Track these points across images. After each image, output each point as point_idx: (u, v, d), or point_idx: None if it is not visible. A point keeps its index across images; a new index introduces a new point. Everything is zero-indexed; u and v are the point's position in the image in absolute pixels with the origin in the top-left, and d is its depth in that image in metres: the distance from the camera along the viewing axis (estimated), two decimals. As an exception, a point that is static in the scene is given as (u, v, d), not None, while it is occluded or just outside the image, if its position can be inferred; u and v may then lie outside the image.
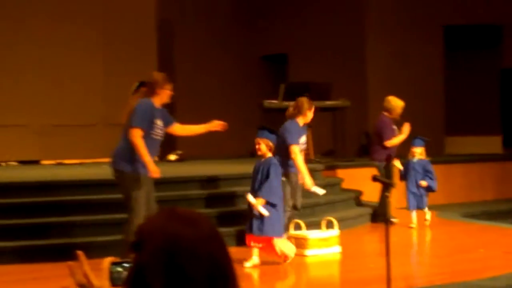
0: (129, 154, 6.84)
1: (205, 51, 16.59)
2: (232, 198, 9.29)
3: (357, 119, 14.18)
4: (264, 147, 7.37)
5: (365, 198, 11.21)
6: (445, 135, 15.61)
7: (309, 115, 8.41)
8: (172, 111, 12.28)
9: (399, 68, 14.97)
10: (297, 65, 16.15)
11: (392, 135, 10.21)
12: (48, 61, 13.74)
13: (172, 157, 13.88)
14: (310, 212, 9.60)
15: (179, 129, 7.41)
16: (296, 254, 7.61)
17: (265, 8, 17.02)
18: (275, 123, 12.92)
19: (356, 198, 11.19)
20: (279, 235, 7.35)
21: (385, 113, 10.36)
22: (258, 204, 7.21)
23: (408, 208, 10.21)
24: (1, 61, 13.37)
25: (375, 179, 7.82)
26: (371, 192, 10.53)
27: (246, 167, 11.27)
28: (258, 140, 7.41)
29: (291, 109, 8.49)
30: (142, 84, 11.57)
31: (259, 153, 7.46)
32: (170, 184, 8.98)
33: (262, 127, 7.59)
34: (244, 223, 7.63)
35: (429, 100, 15.10)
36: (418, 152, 10.15)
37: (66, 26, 13.97)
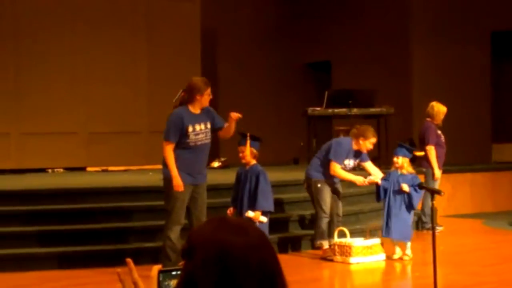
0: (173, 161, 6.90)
1: (249, 59, 16.64)
2: (275, 205, 9.28)
3: (402, 126, 14.07)
4: (248, 154, 7.30)
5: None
6: (492, 142, 15.41)
7: (367, 144, 8.25)
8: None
9: (444, 74, 14.81)
10: (341, 72, 16.10)
11: (437, 141, 10.14)
12: (95, 69, 13.91)
13: (216, 164, 13.95)
14: (355, 219, 9.56)
15: (222, 131, 7.38)
16: (340, 262, 7.57)
17: (309, 15, 17.00)
18: (318, 130, 12.96)
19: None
20: None
21: (428, 119, 10.32)
22: (258, 217, 7.18)
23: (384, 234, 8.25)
24: (50, 70, 13.57)
25: (421, 187, 7.79)
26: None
27: (289, 174, 11.28)
28: (242, 148, 7.31)
29: (355, 130, 8.38)
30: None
31: (243, 161, 7.39)
32: (213, 191, 9.00)
33: (244, 135, 7.46)
34: (286, 230, 7.60)
35: (475, 106, 14.92)
36: (400, 164, 8.17)
37: (112, 35, 14.13)
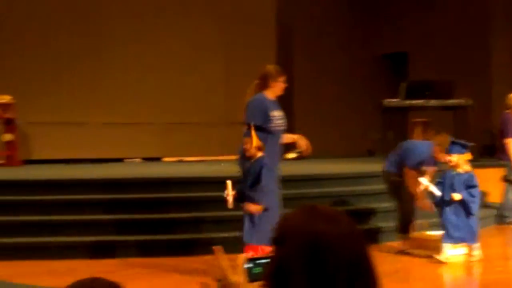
0: None
1: (324, 51, 16.53)
2: (351, 197, 9.22)
3: (480, 118, 13.76)
4: (253, 147, 6.76)
5: (490, 199, 10.85)
6: None
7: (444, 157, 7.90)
8: (291, 112, 12.34)
9: (525, 65, 14.43)
10: (418, 63, 15.85)
11: None
12: (172, 60, 14.06)
13: (291, 155, 13.91)
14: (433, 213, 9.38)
15: None
16: (419, 255, 7.45)
17: (385, 6, 16.78)
18: (394, 122, 12.78)
19: (480, 199, 10.84)
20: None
21: (507, 111, 10.05)
22: (258, 209, 6.64)
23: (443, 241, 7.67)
24: (127, 61, 13.78)
25: (506, 179, 7.55)
26: (496, 193, 10.18)
27: (364, 166, 11.17)
28: (246, 139, 6.81)
29: (442, 139, 8.10)
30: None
31: (246, 154, 6.85)
32: (289, 182, 8.98)
33: (249, 126, 6.94)
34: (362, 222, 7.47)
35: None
36: (455, 162, 7.62)
37: (189, 26, 14.26)
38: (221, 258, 1.99)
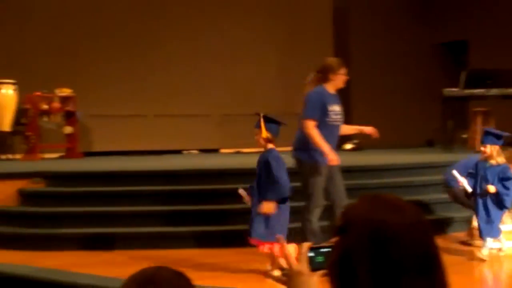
0: (305, 143, 6.81)
1: (381, 40, 16.35)
2: (410, 188, 9.10)
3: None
4: (262, 138, 6.57)
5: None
6: None
7: None
8: (347, 101, 12.23)
9: None
10: (478, 51, 15.55)
11: None
12: (228, 52, 14.10)
13: (348, 146, 13.83)
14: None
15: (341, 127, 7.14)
16: (479, 246, 7.32)
17: (444, -6, 16.53)
18: (454, 112, 12.59)
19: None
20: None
21: None
22: (268, 209, 6.40)
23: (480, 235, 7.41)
24: (184, 53, 13.86)
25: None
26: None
27: (423, 157, 11.03)
28: (256, 130, 6.60)
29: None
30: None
31: (258, 146, 6.73)
32: (346, 173, 8.90)
33: (260, 116, 6.76)
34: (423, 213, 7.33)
35: None
36: (488, 153, 7.23)
37: (246, 17, 14.27)
38: (283, 248, 1.97)
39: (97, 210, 8.29)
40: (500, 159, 7.30)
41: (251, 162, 10.80)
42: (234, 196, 8.58)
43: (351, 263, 1.65)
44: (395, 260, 1.62)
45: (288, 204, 6.54)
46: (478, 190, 7.34)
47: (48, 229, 8.05)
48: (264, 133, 6.49)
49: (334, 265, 1.70)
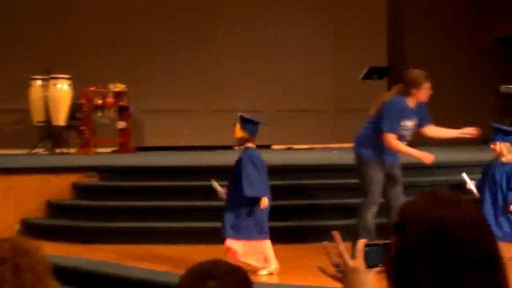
0: (370, 141, 6.77)
1: (436, 36, 16.11)
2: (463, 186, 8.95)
3: None
4: (237, 138, 6.56)
5: None
6: None
7: None
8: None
9: None
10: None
11: None
12: (281, 48, 14.08)
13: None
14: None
15: (432, 130, 7.02)
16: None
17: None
18: (511, 109, 12.33)
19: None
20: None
21: None
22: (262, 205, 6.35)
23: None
24: (238, 49, 13.88)
25: None
26: None
27: (478, 155, 10.83)
28: (234, 129, 6.56)
29: None
30: (371, 70, 11.55)
31: (237, 144, 6.70)
32: (402, 171, 8.82)
33: (240, 117, 6.67)
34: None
35: None
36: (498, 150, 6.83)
37: (297, 12, 14.23)
38: (339, 244, 1.95)
39: (149, 205, 8.35)
40: (510, 157, 7.05)
41: (302, 158, 10.83)
42: (290, 192, 8.60)
43: (409, 260, 1.63)
44: (455, 258, 1.60)
45: (265, 204, 6.41)
46: (487, 190, 7.05)
47: (101, 223, 8.14)
48: (238, 133, 6.49)
49: (391, 262, 1.68)
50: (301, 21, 14.30)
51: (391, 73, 12.41)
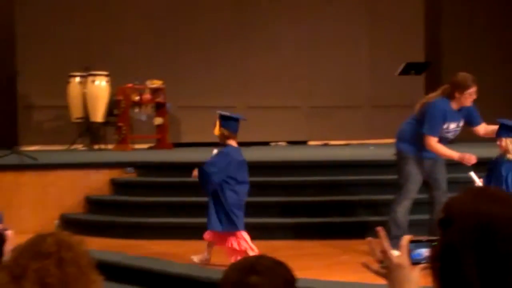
0: (411, 137, 6.80)
1: (474, 31, 15.93)
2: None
3: None
4: (219, 136, 6.63)
5: None
6: None
7: None
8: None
9: None
10: None
11: None
12: (317, 43, 14.04)
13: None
14: None
15: (482, 129, 6.93)
16: None
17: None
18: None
19: None
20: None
21: None
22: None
23: None
24: (273, 45, 13.87)
25: None
26: None
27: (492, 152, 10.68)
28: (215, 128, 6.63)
29: None
30: (408, 65, 11.46)
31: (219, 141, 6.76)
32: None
33: (219, 114, 6.71)
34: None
35: None
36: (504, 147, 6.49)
37: (333, 7, 14.17)
38: (384, 240, 1.95)
39: (186, 200, 8.38)
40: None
41: (338, 154, 10.80)
42: (323, 188, 8.59)
43: (455, 256, 1.62)
44: (503, 254, 1.58)
45: (226, 196, 6.45)
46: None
47: (139, 218, 8.21)
48: (218, 131, 6.55)
49: (436, 259, 1.67)
50: (336, 15, 14.23)
51: (429, 69, 12.31)
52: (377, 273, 1.96)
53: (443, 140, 6.70)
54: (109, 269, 6.24)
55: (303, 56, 13.98)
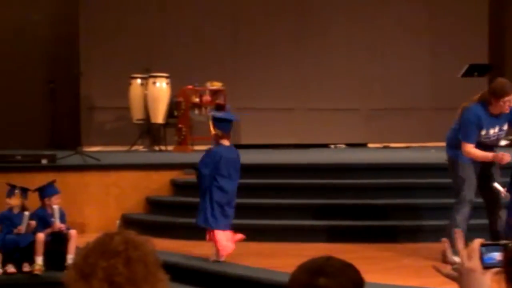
0: (457, 143, 6.67)
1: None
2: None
3: None
4: (212, 136, 6.95)
5: None
6: None
7: None
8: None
9: None
10: None
11: None
12: (377, 45, 13.92)
13: (503, 142, 13.30)
14: None
15: None
16: None
17: None
18: None
19: None
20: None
21: None
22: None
23: None
24: (332, 46, 13.80)
25: None
26: None
27: None
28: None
29: None
30: (471, 67, 11.28)
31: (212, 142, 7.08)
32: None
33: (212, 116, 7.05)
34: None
35: None
36: None
37: (393, 9, 14.03)
38: (458, 242, 1.91)
39: (245, 202, 8.35)
40: None
41: (399, 157, 10.68)
42: (381, 191, 8.50)
43: None
44: None
45: (212, 193, 6.71)
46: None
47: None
48: (212, 131, 6.86)
49: (510, 263, 1.62)
50: (398, 17, 14.08)
51: (492, 71, 12.08)
52: (448, 276, 1.93)
53: (484, 146, 6.57)
54: (169, 270, 6.29)
55: (363, 58, 13.87)
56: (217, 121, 6.92)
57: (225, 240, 6.66)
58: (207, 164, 6.74)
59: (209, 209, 6.68)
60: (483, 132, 6.54)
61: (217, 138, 6.88)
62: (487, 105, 6.51)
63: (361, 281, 1.87)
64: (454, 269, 1.90)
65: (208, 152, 6.95)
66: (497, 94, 6.43)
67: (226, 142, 6.88)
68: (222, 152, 6.79)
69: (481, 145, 6.57)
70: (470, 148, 6.50)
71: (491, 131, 6.58)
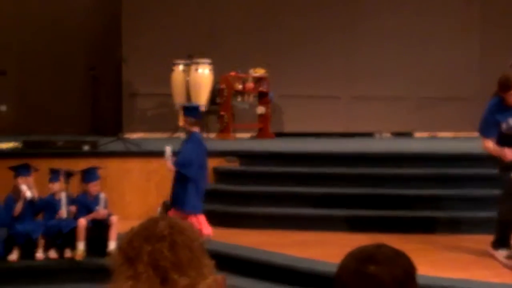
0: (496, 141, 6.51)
1: None
2: None
3: None
4: (185, 123, 7.37)
5: None
6: None
7: None
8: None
9: None
10: None
11: None
12: (426, 34, 13.75)
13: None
14: None
15: None
16: None
17: None
18: None
19: None
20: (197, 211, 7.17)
21: None
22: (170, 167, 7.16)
23: None
24: (380, 34, 13.64)
25: None
26: None
27: None
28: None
29: None
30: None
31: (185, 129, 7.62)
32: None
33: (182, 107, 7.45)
34: None
35: None
36: None
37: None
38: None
39: (288, 190, 8.27)
40: None
41: (446, 146, 10.46)
42: (433, 181, 8.32)
43: None
44: None
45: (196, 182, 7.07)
46: None
47: (241, 207, 8.15)
48: (182, 122, 7.61)
49: None
50: (445, 5, 13.84)
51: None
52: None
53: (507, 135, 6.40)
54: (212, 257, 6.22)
55: (410, 46, 13.67)
56: (187, 110, 7.50)
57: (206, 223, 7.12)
58: (193, 148, 7.11)
59: (194, 195, 7.06)
60: (504, 125, 6.40)
61: (189, 125, 7.26)
62: (503, 97, 6.37)
63: (413, 270, 1.74)
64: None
65: (192, 141, 7.21)
66: (505, 88, 6.33)
67: (197, 129, 7.29)
68: (201, 140, 7.27)
69: (507, 137, 6.40)
70: (486, 142, 6.44)
71: (511, 122, 6.41)
